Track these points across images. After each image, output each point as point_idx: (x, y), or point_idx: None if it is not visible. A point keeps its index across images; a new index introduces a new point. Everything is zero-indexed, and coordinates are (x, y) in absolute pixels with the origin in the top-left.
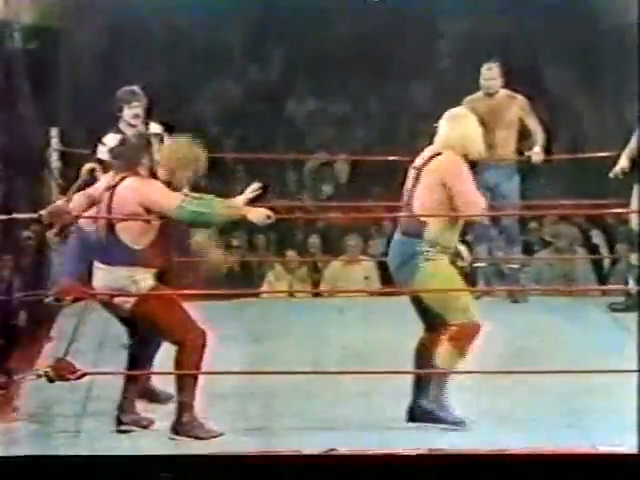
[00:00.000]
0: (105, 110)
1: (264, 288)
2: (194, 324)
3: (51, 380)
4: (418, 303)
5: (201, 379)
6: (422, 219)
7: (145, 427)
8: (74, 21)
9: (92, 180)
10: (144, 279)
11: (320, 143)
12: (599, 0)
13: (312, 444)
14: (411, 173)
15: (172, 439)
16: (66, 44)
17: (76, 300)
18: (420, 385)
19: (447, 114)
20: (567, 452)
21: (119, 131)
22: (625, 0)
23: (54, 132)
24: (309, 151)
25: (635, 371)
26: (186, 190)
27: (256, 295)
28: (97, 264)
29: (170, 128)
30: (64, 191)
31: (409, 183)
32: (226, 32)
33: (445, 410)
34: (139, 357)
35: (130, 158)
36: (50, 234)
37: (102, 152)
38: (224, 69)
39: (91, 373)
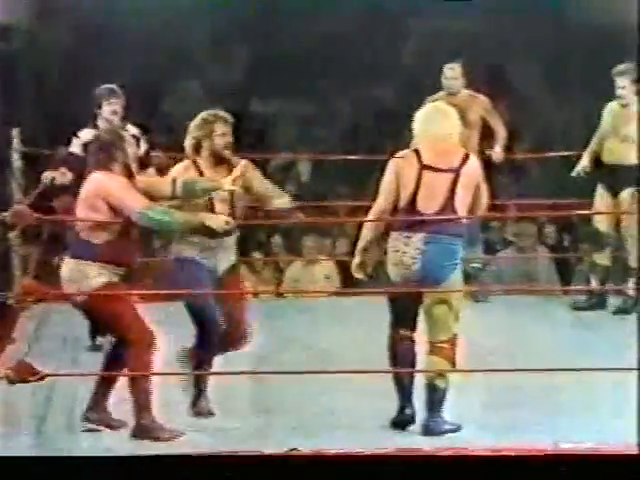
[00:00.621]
0: (70, 110)
1: None
2: (143, 324)
3: (12, 382)
4: (418, 302)
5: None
6: (464, 220)
7: (112, 428)
8: (40, 20)
9: (52, 187)
10: (98, 275)
11: (284, 143)
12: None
13: (277, 444)
14: (434, 174)
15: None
16: (31, 43)
17: (38, 301)
18: (404, 387)
19: (436, 110)
20: (567, 452)
21: (96, 127)
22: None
23: (15, 132)
24: (273, 150)
25: (635, 369)
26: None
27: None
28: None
29: (146, 131)
30: (26, 192)
31: (442, 185)
32: (190, 32)
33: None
34: (116, 359)
35: (102, 154)
36: (13, 235)
37: (75, 145)
38: (188, 69)
39: (52, 375)
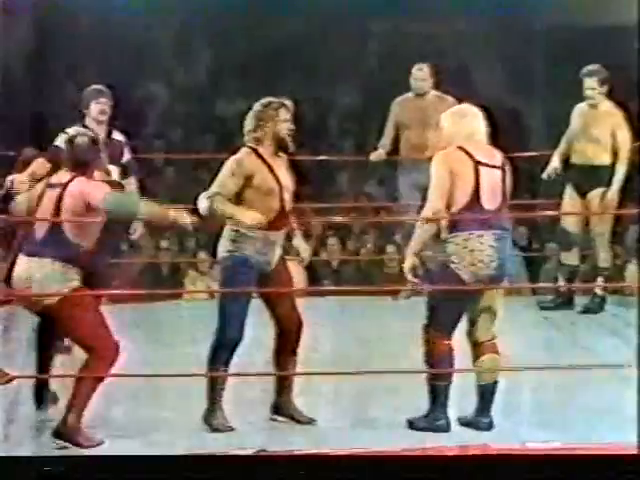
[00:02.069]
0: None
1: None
2: (109, 334)
3: None
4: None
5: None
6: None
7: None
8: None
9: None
10: (73, 279)
11: None
12: (533, 2)
13: (243, 445)
14: (489, 170)
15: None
16: None
17: (4, 303)
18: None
19: (467, 111)
20: (567, 452)
21: (84, 126)
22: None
23: None
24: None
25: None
26: None
27: (179, 296)
28: (22, 256)
29: (129, 136)
30: None
31: (498, 180)
32: (155, 32)
33: None
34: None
35: (76, 158)
36: None
37: (61, 139)
38: (153, 70)
39: (20, 377)
